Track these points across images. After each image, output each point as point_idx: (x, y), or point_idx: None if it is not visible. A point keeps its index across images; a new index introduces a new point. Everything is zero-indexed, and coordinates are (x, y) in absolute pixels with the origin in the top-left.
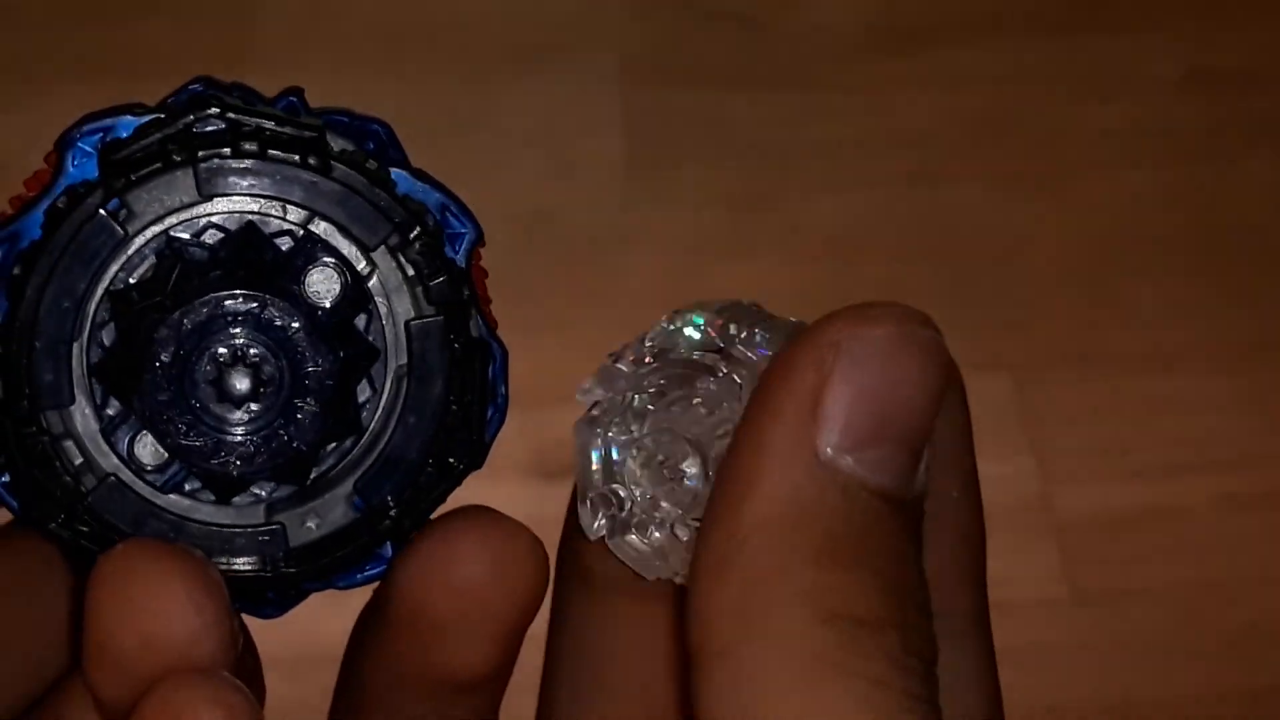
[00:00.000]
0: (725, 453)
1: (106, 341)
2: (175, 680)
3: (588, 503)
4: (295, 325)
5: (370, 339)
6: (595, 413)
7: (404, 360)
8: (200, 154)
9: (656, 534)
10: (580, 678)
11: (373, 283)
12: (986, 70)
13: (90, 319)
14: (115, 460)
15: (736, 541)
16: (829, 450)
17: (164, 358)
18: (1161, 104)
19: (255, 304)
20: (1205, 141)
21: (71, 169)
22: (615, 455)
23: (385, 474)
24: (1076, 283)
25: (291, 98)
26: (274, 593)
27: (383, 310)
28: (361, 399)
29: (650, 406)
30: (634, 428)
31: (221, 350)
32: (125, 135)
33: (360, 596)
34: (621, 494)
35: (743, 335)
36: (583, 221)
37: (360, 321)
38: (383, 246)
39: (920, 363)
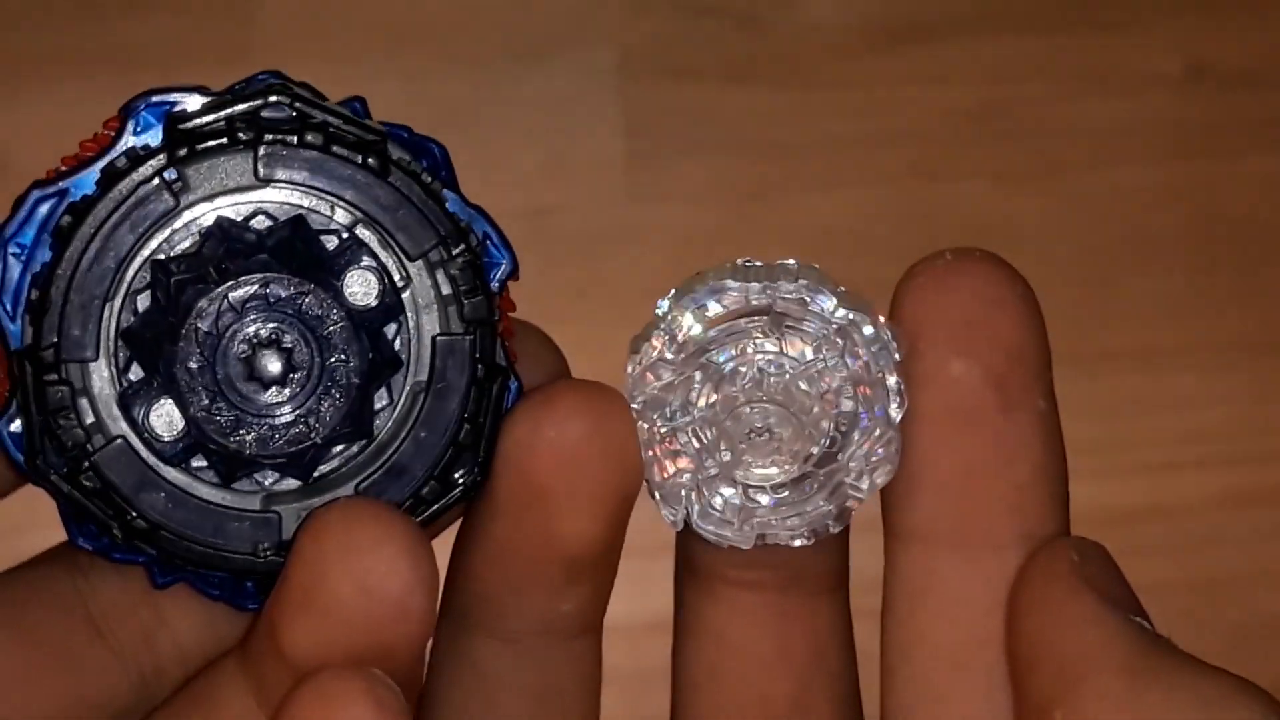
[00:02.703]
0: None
1: (140, 308)
2: (331, 672)
3: (660, 497)
4: (334, 318)
5: (397, 348)
6: (646, 406)
7: (424, 374)
8: (266, 137)
9: (728, 503)
10: (695, 667)
11: (406, 295)
12: (985, 66)
13: (128, 283)
14: (125, 425)
15: None
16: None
17: (202, 326)
18: (1161, 101)
19: (298, 290)
20: (1205, 139)
21: (132, 137)
22: (679, 442)
23: (388, 481)
24: (1075, 279)
25: (355, 104)
26: (254, 584)
27: (411, 323)
28: (378, 406)
29: (701, 385)
30: (679, 415)
31: (260, 330)
32: (193, 109)
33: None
34: (686, 478)
35: (770, 290)
36: (583, 218)
37: (389, 330)
38: (423, 259)
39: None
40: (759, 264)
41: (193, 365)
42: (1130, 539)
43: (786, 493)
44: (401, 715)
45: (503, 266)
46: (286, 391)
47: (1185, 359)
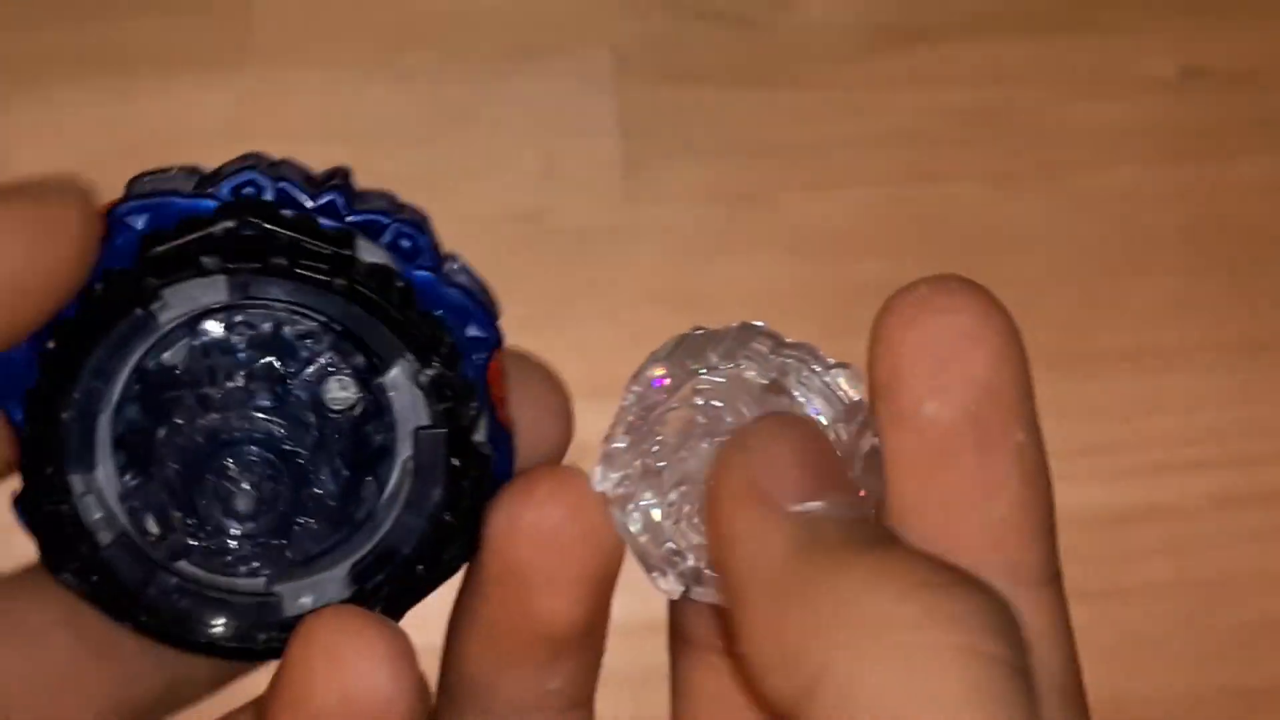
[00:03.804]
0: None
1: (130, 416)
2: None
3: (654, 572)
4: (307, 440)
5: (381, 441)
6: (620, 492)
7: (410, 462)
8: (231, 266)
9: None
10: None
11: (390, 389)
12: (982, 68)
13: (118, 393)
14: (129, 524)
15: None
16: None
17: (180, 441)
18: (1157, 102)
19: (269, 416)
20: (1201, 140)
21: (117, 242)
22: (656, 518)
23: (381, 563)
24: (1072, 281)
25: (335, 197)
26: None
27: (396, 414)
28: (367, 492)
29: (661, 464)
30: (657, 488)
31: (229, 466)
32: (168, 226)
33: None
34: (679, 549)
35: (701, 364)
36: (579, 219)
37: (371, 427)
38: (401, 360)
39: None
40: (699, 332)
41: (170, 477)
42: (1128, 540)
43: None
44: None
45: (487, 342)
46: (257, 524)
47: (1182, 360)
